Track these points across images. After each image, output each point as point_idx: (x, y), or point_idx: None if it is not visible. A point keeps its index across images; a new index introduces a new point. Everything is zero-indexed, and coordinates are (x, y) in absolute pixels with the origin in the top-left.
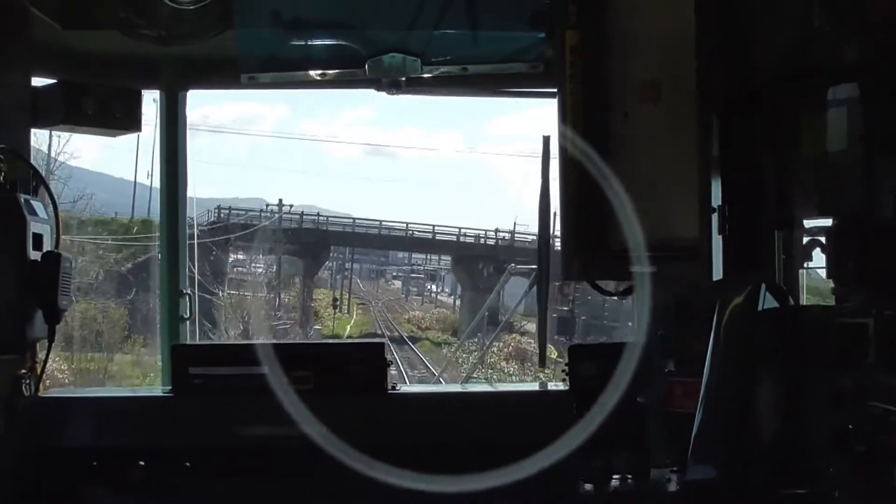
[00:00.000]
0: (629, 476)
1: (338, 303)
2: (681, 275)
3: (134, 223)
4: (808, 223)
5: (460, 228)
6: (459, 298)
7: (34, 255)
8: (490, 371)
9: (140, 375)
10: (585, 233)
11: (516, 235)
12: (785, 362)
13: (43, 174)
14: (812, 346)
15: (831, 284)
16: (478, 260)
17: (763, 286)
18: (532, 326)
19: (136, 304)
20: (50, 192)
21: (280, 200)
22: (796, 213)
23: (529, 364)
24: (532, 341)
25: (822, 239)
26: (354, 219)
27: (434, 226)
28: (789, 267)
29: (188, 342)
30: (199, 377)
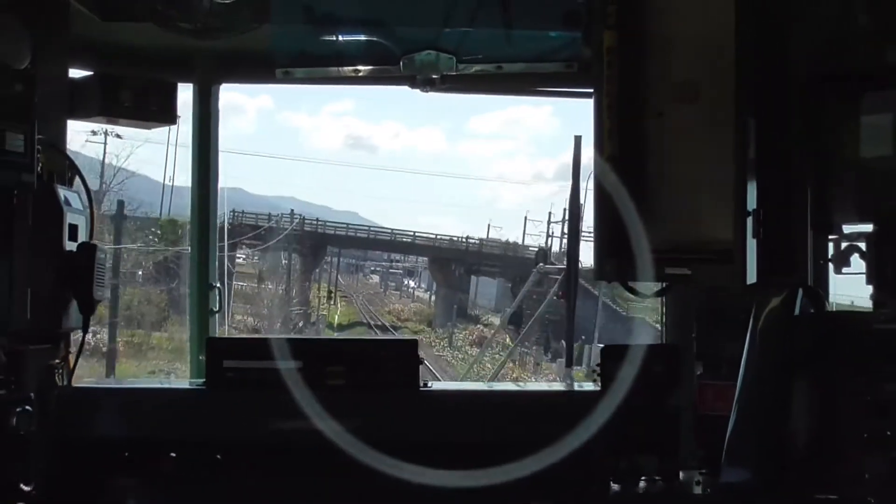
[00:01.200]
0: (658, 477)
1: (332, 295)
2: (714, 277)
3: (162, 222)
4: (846, 228)
5: (437, 234)
6: (434, 294)
7: (70, 246)
8: (457, 352)
9: (173, 349)
10: (619, 234)
11: (488, 240)
12: (821, 367)
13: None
14: (850, 352)
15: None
16: (451, 262)
17: (800, 291)
18: (495, 320)
19: (172, 293)
20: (85, 183)
21: (292, 211)
22: (833, 218)
23: (488, 348)
24: (493, 331)
25: (861, 244)
26: (347, 224)
27: (415, 232)
28: (825, 272)
29: (217, 335)
30: (232, 370)
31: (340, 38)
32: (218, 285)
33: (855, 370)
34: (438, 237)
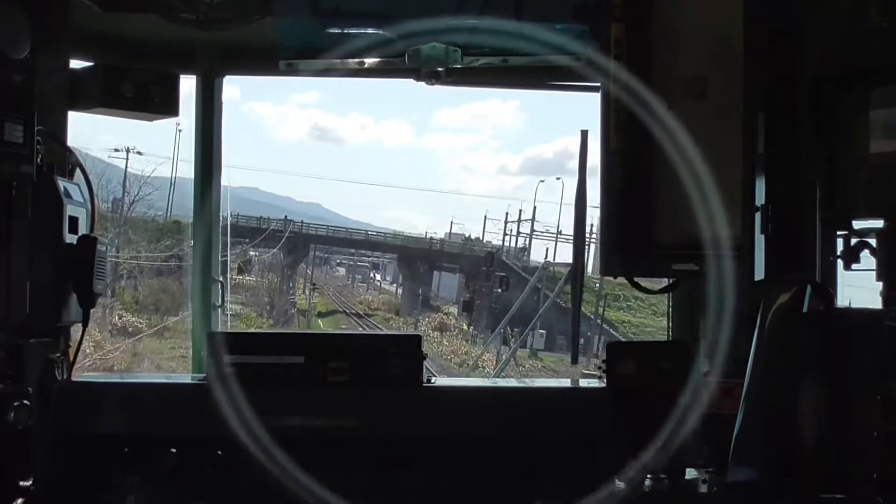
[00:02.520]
0: (664, 476)
1: (315, 287)
2: (722, 274)
3: (166, 224)
4: (856, 224)
5: (405, 233)
6: (401, 287)
7: (70, 239)
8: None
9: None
10: (626, 229)
11: (450, 238)
12: (830, 365)
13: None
14: (858, 349)
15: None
16: (416, 259)
17: (808, 287)
18: (454, 310)
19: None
20: (86, 175)
21: (286, 217)
22: (842, 214)
23: (447, 332)
24: (451, 319)
25: (871, 240)
26: (329, 226)
27: (385, 234)
28: (834, 268)
29: (219, 329)
30: (233, 365)
31: (344, 30)
32: (221, 279)
33: (864, 368)
34: (407, 236)
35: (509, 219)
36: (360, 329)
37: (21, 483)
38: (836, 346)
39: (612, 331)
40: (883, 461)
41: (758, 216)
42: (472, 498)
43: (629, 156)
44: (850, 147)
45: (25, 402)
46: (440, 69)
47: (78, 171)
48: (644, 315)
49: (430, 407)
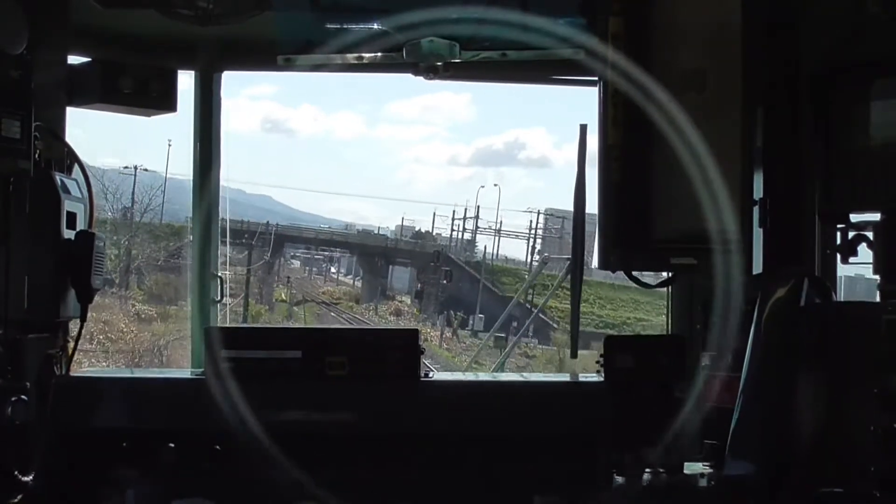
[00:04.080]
0: (662, 470)
1: (289, 280)
2: (720, 267)
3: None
4: (854, 218)
5: (357, 224)
6: (358, 279)
7: (68, 234)
8: (381, 319)
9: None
10: (624, 223)
11: (402, 235)
12: (828, 359)
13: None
14: (856, 343)
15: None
16: (374, 255)
17: (805, 281)
18: (407, 299)
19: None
20: (84, 171)
21: (267, 222)
22: (840, 207)
23: (402, 317)
24: (405, 306)
25: (868, 234)
26: (303, 227)
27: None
28: (832, 262)
29: (218, 324)
30: (231, 360)
31: (343, 25)
32: (220, 275)
33: (862, 362)
34: (367, 233)
35: (456, 216)
36: (333, 315)
37: (20, 478)
38: (833, 339)
39: (543, 316)
40: (880, 455)
41: (756, 209)
42: (470, 492)
43: (627, 149)
44: (848, 140)
45: (24, 397)
46: (439, 63)
47: (76, 166)
48: (569, 301)
49: (427, 401)
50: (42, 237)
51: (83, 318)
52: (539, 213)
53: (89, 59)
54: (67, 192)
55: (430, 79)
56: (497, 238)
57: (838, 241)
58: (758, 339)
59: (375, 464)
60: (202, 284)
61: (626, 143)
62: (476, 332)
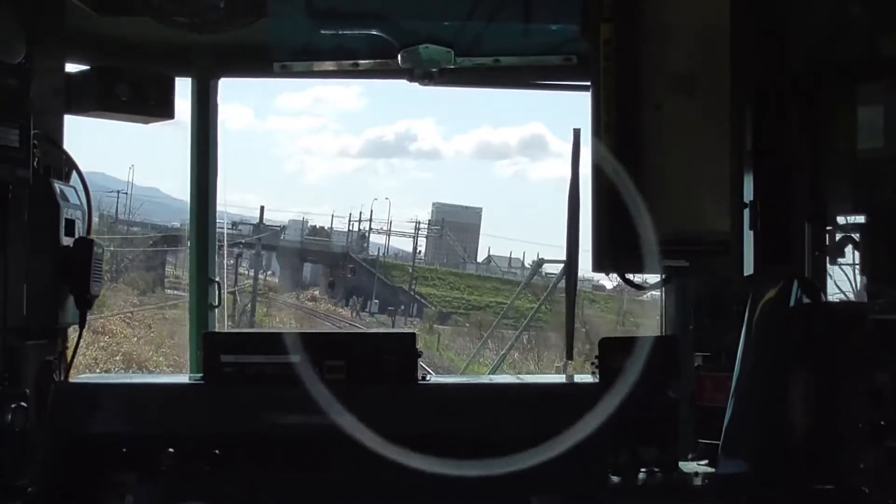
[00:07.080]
0: (657, 469)
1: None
2: (712, 269)
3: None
4: (842, 219)
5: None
6: (278, 275)
7: (66, 242)
8: (302, 303)
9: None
10: (617, 226)
11: (309, 235)
12: (817, 358)
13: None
14: (844, 342)
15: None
16: (291, 254)
17: (795, 281)
18: (317, 291)
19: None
20: (82, 178)
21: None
22: (829, 209)
23: (317, 301)
24: (317, 294)
25: (855, 235)
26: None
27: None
28: (821, 262)
29: (216, 329)
30: (229, 365)
31: (338, 31)
32: (218, 279)
33: (850, 360)
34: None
35: (352, 218)
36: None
37: (19, 484)
38: (822, 338)
39: (422, 300)
40: (869, 451)
41: (747, 211)
42: (468, 495)
43: (619, 153)
44: (837, 142)
45: (23, 403)
46: (433, 70)
47: (74, 173)
48: (444, 289)
49: (425, 404)
50: (41, 244)
51: (82, 325)
52: (418, 224)
53: (86, 67)
54: (66, 199)
55: (426, 85)
56: (388, 237)
57: (826, 243)
58: (749, 338)
59: (374, 467)
60: (200, 290)
61: (619, 146)
62: (373, 313)
